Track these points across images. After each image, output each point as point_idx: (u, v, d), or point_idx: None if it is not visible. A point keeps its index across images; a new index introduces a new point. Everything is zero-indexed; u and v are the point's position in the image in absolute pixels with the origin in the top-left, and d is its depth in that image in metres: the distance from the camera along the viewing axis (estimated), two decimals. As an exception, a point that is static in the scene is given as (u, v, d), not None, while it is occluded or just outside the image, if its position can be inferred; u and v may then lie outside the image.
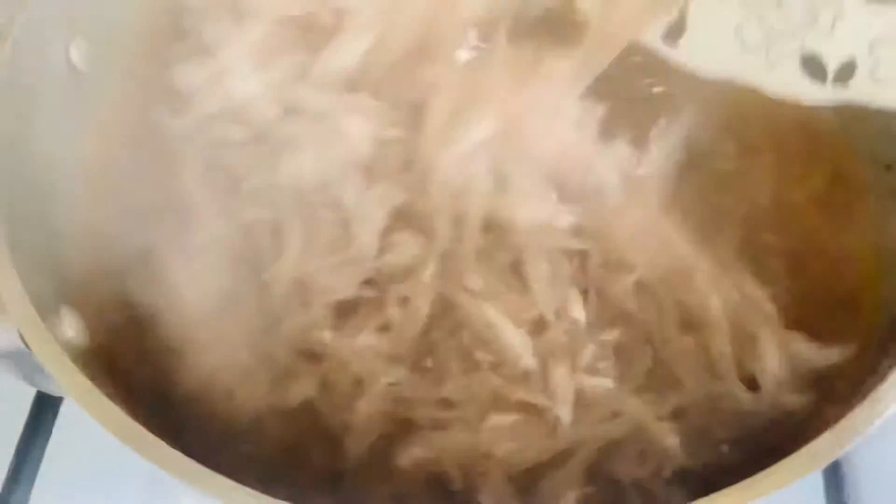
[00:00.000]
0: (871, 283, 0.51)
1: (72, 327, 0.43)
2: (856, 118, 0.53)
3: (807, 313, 0.51)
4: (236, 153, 0.56)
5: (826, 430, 0.36)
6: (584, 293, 0.51)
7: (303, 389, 0.51)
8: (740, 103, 0.53)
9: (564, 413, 0.47)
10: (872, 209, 0.50)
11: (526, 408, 0.49)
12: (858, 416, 0.34)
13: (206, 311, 0.51)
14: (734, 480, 0.47)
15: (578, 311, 0.50)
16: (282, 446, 0.51)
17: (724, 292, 0.51)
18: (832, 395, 0.47)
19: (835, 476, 0.59)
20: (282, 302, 0.52)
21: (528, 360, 0.48)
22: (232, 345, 0.51)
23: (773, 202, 0.56)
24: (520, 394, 0.48)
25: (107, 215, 0.53)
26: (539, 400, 0.48)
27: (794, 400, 0.48)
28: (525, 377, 0.49)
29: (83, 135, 0.52)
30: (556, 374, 0.48)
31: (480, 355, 0.50)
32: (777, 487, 0.32)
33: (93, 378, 0.37)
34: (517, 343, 0.49)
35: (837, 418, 0.37)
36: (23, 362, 0.45)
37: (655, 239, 0.52)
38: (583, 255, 0.52)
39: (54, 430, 0.63)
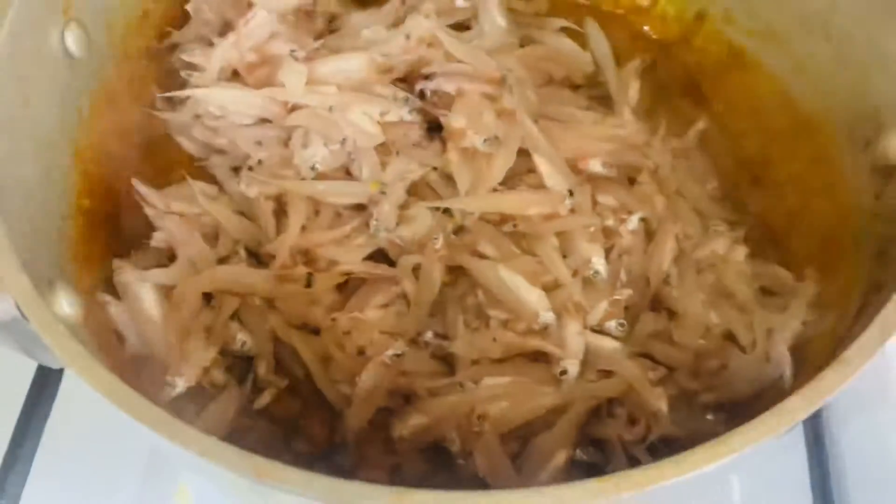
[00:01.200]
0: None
1: (67, 302, 0.43)
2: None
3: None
4: (241, 133, 0.56)
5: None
6: (608, 251, 0.53)
7: (303, 363, 0.52)
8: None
9: (572, 367, 0.48)
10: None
11: (537, 358, 0.50)
12: (827, 377, 0.35)
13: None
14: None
15: (601, 265, 0.52)
16: (282, 418, 0.52)
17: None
18: (811, 360, 0.49)
19: (818, 453, 0.60)
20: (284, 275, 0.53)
21: (546, 315, 0.50)
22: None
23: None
24: (535, 342, 0.50)
25: (98, 199, 0.53)
26: (553, 349, 0.49)
27: (775, 369, 0.49)
28: (538, 331, 0.50)
29: (78, 121, 0.53)
30: (569, 330, 0.50)
31: (494, 313, 0.51)
32: (750, 443, 0.34)
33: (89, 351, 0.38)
34: (534, 300, 0.50)
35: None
36: (20, 333, 0.45)
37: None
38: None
39: (54, 408, 0.63)
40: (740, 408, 0.52)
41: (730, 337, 0.53)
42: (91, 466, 0.61)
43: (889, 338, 0.35)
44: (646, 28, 0.71)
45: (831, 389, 0.34)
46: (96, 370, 0.37)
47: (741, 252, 0.55)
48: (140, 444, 0.60)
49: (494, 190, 0.52)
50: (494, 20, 0.64)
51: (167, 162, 0.60)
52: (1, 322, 0.42)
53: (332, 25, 0.65)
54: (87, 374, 0.37)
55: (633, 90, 0.65)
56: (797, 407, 0.34)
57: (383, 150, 0.55)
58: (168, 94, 0.56)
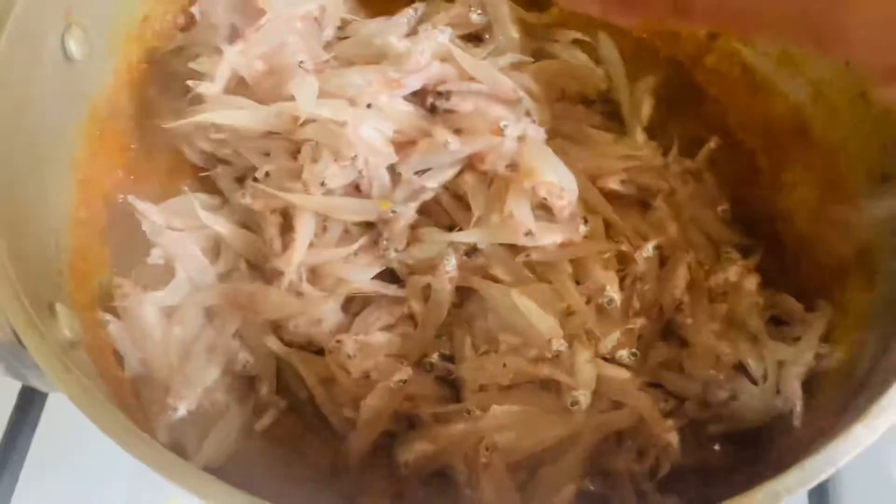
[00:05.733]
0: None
1: (67, 326, 0.42)
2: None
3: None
4: (248, 144, 0.55)
5: (819, 436, 0.37)
6: (622, 278, 0.52)
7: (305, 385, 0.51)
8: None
9: (584, 398, 0.48)
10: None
11: (547, 386, 0.50)
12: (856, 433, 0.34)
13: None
14: (723, 480, 0.49)
15: (615, 293, 0.51)
16: (283, 442, 0.51)
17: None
18: (821, 398, 0.49)
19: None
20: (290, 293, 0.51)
21: (559, 343, 0.49)
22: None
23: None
24: (546, 371, 0.49)
25: (96, 209, 0.51)
26: (565, 379, 0.49)
27: (785, 403, 0.49)
28: (550, 359, 0.49)
29: (76, 128, 0.51)
30: (581, 359, 0.49)
31: (504, 338, 0.50)
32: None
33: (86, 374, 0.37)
34: (546, 327, 0.49)
35: (824, 424, 0.38)
36: (11, 357, 0.44)
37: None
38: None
39: (42, 419, 0.61)
40: (748, 439, 0.52)
41: (740, 368, 0.52)
42: (78, 481, 0.60)
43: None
44: (657, 44, 0.70)
45: (857, 447, 0.34)
46: (97, 405, 0.35)
47: (753, 281, 0.55)
48: (128, 459, 0.59)
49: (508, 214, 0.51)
50: (508, 32, 0.63)
51: (170, 171, 0.58)
52: (-6, 346, 0.40)
53: (342, 32, 0.63)
54: (88, 409, 0.35)
55: (646, 108, 0.64)
56: (794, 484, 0.33)
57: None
58: (171, 125, 0.54)
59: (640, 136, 0.61)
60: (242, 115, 0.53)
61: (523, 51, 0.64)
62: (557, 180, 0.51)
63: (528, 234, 0.50)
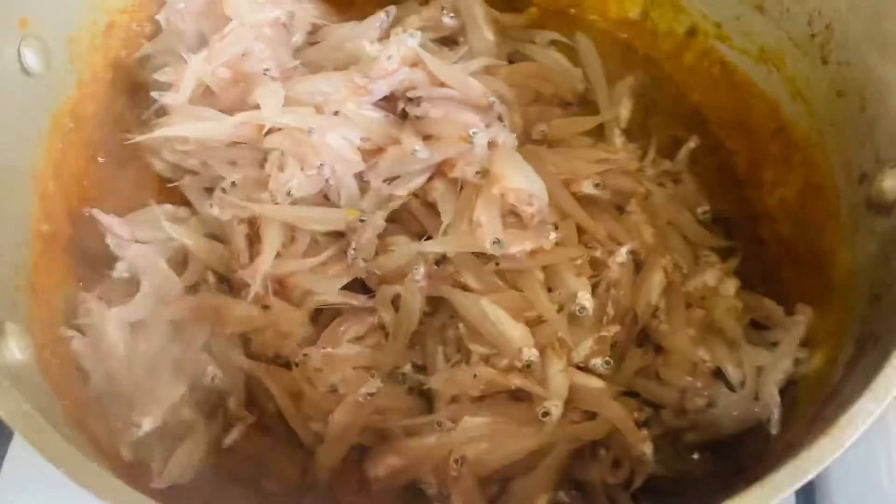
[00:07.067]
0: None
1: (17, 347, 0.40)
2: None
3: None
4: (214, 154, 0.54)
5: (791, 445, 0.36)
6: (596, 284, 0.51)
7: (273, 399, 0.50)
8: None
9: (555, 409, 0.47)
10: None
11: (519, 397, 0.49)
12: (823, 445, 0.33)
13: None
14: (700, 490, 0.48)
15: (587, 301, 0.50)
16: (251, 458, 0.50)
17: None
18: (798, 405, 0.48)
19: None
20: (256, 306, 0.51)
21: (530, 353, 0.48)
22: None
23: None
24: (517, 381, 0.48)
25: (59, 222, 0.51)
26: (536, 389, 0.48)
27: (764, 410, 0.48)
28: (521, 369, 0.48)
29: (37, 141, 0.50)
30: (553, 368, 0.48)
31: (475, 347, 0.49)
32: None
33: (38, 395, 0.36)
34: (517, 335, 0.48)
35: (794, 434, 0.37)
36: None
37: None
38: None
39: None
40: (724, 447, 0.51)
41: (718, 374, 0.51)
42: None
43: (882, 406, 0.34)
44: (636, 43, 0.69)
45: (823, 460, 0.33)
46: (39, 431, 0.34)
47: (732, 285, 0.54)
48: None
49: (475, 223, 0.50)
50: (482, 35, 0.62)
51: (137, 182, 0.57)
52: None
53: (312, 38, 0.62)
54: (29, 435, 0.34)
55: (625, 109, 0.63)
56: (784, 481, 0.32)
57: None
58: (134, 139, 0.53)
59: (618, 138, 0.60)
60: (206, 127, 0.52)
61: (499, 53, 0.63)
62: (527, 186, 0.50)
63: (496, 242, 0.49)
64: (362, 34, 0.60)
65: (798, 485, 0.32)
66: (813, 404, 0.43)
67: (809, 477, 0.32)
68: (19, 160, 0.48)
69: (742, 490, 0.33)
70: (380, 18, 0.61)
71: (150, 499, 0.32)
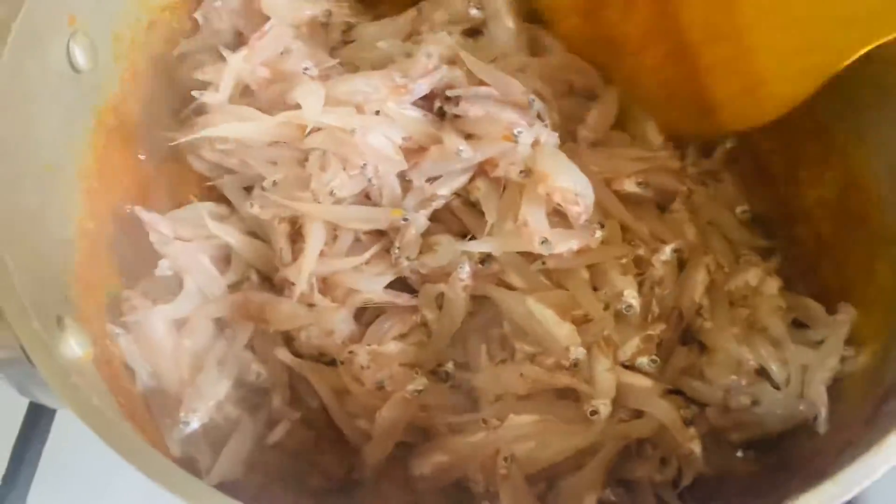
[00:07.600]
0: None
1: (76, 342, 0.41)
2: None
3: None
4: (254, 153, 0.54)
5: (851, 443, 0.36)
6: (641, 283, 0.51)
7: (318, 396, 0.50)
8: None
9: (604, 407, 0.47)
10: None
11: (565, 395, 0.49)
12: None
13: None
14: (746, 488, 0.48)
15: (633, 299, 0.50)
16: (296, 454, 0.50)
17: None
18: (846, 404, 0.48)
19: None
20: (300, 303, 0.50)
21: (577, 351, 0.48)
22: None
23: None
24: (564, 379, 0.48)
25: (103, 220, 0.51)
26: (585, 388, 0.47)
27: (810, 408, 0.48)
28: (568, 367, 0.48)
29: (83, 138, 0.50)
30: (600, 367, 0.48)
31: (520, 346, 0.49)
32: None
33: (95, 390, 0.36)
34: (564, 334, 0.48)
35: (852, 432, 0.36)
36: (20, 373, 0.43)
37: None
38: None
39: (49, 438, 0.61)
40: (770, 446, 0.51)
41: (762, 372, 0.51)
42: (88, 497, 0.59)
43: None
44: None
45: (872, 474, 0.32)
46: (104, 423, 0.35)
47: (774, 284, 0.54)
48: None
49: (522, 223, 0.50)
50: (504, 24, 0.62)
51: (178, 180, 0.57)
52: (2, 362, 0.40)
53: (347, 36, 0.62)
54: (96, 427, 0.35)
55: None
56: (853, 478, 0.32)
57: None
58: (177, 140, 0.53)
59: (655, 135, 0.60)
60: (248, 128, 0.52)
61: (518, 41, 0.62)
62: (572, 185, 0.50)
63: (544, 241, 0.49)
64: (394, 32, 0.60)
65: (869, 481, 0.32)
66: (866, 402, 0.43)
67: (880, 473, 0.32)
68: (66, 157, 0.48)
69: (810, 487, 0.32)
70: (411, 16, 0.62)
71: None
